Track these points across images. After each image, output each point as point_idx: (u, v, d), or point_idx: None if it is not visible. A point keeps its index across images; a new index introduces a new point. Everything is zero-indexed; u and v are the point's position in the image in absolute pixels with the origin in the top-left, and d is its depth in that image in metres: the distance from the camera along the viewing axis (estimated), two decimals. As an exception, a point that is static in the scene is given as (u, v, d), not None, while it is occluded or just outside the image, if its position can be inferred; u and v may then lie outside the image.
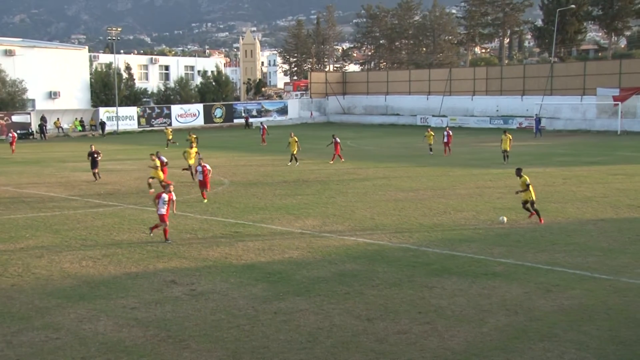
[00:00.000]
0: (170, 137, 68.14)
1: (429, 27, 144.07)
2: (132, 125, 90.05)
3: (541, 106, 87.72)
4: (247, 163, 51.60)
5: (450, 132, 55.69)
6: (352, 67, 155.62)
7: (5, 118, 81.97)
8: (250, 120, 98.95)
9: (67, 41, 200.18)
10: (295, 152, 50.28)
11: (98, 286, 20.95)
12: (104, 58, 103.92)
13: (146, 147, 66.75)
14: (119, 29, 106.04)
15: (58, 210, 34.22)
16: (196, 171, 37.17)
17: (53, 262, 24.10)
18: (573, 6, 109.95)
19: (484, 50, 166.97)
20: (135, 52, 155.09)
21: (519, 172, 29.67)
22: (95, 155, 43.32)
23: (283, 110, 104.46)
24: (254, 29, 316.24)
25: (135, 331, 17.11)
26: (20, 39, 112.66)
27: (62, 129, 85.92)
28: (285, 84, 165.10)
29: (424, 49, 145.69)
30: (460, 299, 19.00)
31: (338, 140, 51.47)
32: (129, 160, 56.82)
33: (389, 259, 23.47)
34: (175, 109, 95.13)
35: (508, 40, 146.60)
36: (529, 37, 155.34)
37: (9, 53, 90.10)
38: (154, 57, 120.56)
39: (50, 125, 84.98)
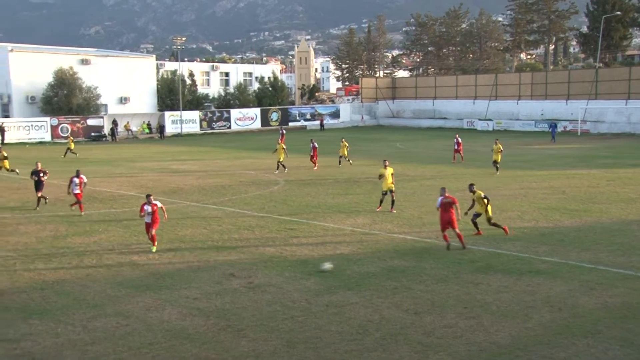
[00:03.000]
0: (72, 147, 65.91)
1: (476, 34, 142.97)
2: (195, 128, 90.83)
3: (585, 110, 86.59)
4: (301, 164, 51.62)
5: (460, 139, 53.94)
6: (402, 73, 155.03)
7: (81, 122, 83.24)
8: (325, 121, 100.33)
9: (137, 50, 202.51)
10: (346, 155, 50.39)
11: (163, 277, 21.30)
12: (170, 66, 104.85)
13: (207, 148, 67.38)
14: (183, 39, 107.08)
15: (127, 207, 34.74)
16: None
17: (123, 255, 24.57)
18: (619, 13, 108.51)
19: (529, 57, 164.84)
20: (198, 59, 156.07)
21: (471, 188, 26.41)
22: (42, 175, 35.14)
23: (335, 114, 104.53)
24: (308, 37, 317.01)
25: (197, 320, 17.35)
26: (95, 49, 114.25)
27: (131, 131, 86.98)
28: (338, 89, 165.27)
29: (471, 55, 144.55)
30: (505, 295, 18.91)
31: (316, 145, 51.02)
32: (191, 161, 57.31)
33: (435, 256, 23.43)
34: (235, 113, 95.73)
35: (553, 46, 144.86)
36: (574, 43, 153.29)
37: (85, 62, 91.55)
38: (215, 64, 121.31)
39: (120, 128, 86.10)
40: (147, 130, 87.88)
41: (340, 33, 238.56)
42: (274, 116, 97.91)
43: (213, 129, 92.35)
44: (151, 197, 24.64)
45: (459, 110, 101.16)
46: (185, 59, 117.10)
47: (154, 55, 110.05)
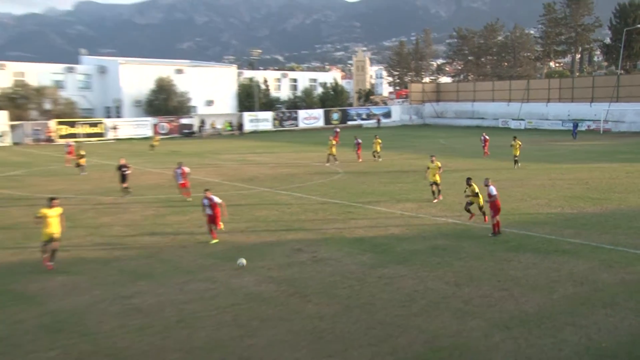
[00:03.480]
0: (156, 143, 65.36)
1: (510, 45, 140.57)
2: (268, 126, 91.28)
3: (607, 111, 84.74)
4: (354, 158, 51.65)
5: (487, 137, 53.08)
6: (445, 79, 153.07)
7: (176, 121, 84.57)
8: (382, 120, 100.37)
9: (221, 61, 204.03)
10: (378, 150, 49.50)
11: (243, 251, 21.64)
12: (248, 74, 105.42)
13: (278, 143, 67.78)
14: (259, 51, 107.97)
15: (213, 192, 35.22)
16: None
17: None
18: (639, 26, 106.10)
19: (557, 65, 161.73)
20: (271, 68, 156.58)
21: (468, 181, 25.33)
22: (125, 169, 34.04)
23: (387, 114, 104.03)
24: (364, 48, 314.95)
25: (271, 286, 17.78)
26: (188, 61, 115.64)
27: (216, 129, 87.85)
28: (390, 92, 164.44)
29: (506, 63, 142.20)
30: (534, 271, 18.92)
31: (360, 141, 50.82)
32: (265, 154, 57.66)
33: (473, 237, 23.44)
34: (302, 113, 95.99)
35: (579, 55, 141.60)
36: (598, 53, 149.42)
37: (179, 72, 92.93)
38: (285, 72, 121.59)
39: (207, 126, 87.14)
40: (229, 128, 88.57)
41: (392, 45, 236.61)
42: (335, 116, 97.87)
43: (283, 126, 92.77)
44: (208, 192, 23.55)
45: (494, 111, 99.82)
46: (261, 68, 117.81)
47: (235, 65, 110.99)
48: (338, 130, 69.34)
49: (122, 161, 34.54)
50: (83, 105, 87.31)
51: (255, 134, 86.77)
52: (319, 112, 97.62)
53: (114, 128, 79.73)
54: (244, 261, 19.09)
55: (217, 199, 22.99)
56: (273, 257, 20.95)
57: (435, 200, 30.53)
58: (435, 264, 19.77)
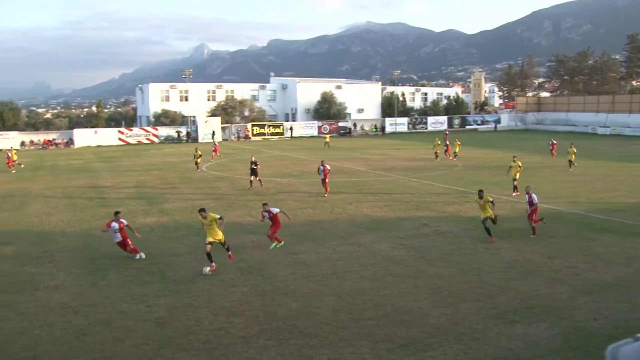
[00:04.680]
0: (328, 140, 61.75)
1: (599, 67, 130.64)
2: (404, 128, 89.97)
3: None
4: (474, 155, 50.12)
5: (555, 141, 46.74)
6: (544, 94, 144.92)
7: (335, 124, 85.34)
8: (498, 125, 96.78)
9: (369, 79, 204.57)
10: (457, 151, 45.64)
11: (381, 223, 21.59)
12: (389, 89, 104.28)
13: (411, 142, 66.79)
14: (398, 72, 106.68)
15: (361, 177, 35.45)
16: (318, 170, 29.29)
17: (357, 207, 25.13)
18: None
19: (639, 83, 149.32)
20: (407, 84, 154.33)
21: (480, 194, 18.73)
22: (254, 165, 30.76)
23: (498, 121, 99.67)
24: (480, 69, 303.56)
25: (402, 252, 17.58)
26: (345, 79, 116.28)
27: (364, 130, 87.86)
28: (499, 104, 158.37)
29: (595, 82, 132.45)
30: (613, 248, 17.61)
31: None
32: (401, 150, 56.99)
33: (564, 220, 22.06)
34: (430, 119, 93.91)
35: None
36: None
37: (338, 87, 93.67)
38: (418, 87, 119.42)
39: (357, 128, 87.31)
40: (374, 130, 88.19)
41: (502, 67, 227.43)
42: (456, 121, 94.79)
43: (415, 129, 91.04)
44: (267, 206, 17.57)
45: (585, 120, 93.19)
46: (399, 84, 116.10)
47: (380, 82, 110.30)
48: (447, 132, 67.44)
49: (253, 158, 31.48)
50: (270, 112, 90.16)
51: (394, 134, 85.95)
52: (444, 118, 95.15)
53: (291, 129, 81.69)
54: (207, 269, 15.36)
55: (275, 210, 17.71)
56: (404, 229, 20.69)
57: (515, 194, 27.72)
58: (532, 240, 18.78)
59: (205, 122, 76.76)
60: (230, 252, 16.50)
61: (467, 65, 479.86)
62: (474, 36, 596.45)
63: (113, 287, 14.53)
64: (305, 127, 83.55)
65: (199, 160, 40.29)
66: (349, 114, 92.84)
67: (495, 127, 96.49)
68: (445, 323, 11.93)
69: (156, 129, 76.51)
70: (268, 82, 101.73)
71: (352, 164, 43.05)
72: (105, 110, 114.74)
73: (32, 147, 69.80)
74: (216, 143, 50.57)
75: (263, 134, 78.83)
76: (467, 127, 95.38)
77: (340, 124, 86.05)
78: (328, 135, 66.59)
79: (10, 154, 43.72)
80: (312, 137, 79.88)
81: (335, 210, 24.61)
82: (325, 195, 27.98)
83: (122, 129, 76.85)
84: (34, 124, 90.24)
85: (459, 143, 47.11)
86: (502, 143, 62.59)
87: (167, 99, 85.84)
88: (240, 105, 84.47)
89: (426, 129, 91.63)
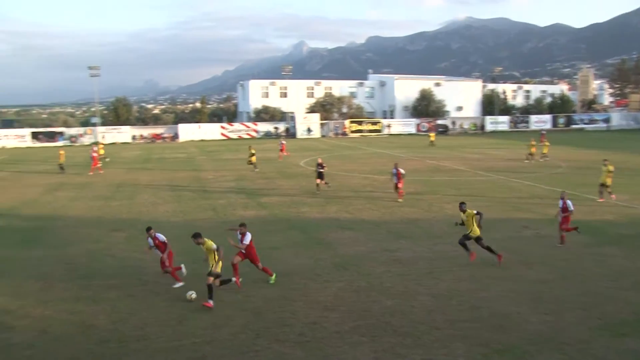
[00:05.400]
0: (433, 139, 60.50)
1: None
2: (505, 127, 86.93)
3: None
4: (580, 156, 47.53)
5: None
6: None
7: (433, 121, 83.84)
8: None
9: (468, 76, 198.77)
10: (545, 152, 43.01)
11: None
12: (490, 86, 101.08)
13: (512, 141, 64.36)
14: (499, 68, 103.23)
15: (458, 176, 34.60)
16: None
17: (455, 207, 24.12)
18: None
19: None
20: (509, 82, 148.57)
21: (462, 207, 16.07)
22: (320, 167, 29.00)
23: (607, 120, 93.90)
24: (589, 65, 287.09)
25: (503, 253, 17.00)
26: (444, 76, 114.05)
27: (464, 128, 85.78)
28: (610, 102, 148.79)
29: None
30: None
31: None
32: (501, 149, 55.01)
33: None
34: (532, 117, 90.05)
35: None
36: None
37: (437, 84, 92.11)
38: (520, 85, 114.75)
39: (456, 126, 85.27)
40: (473, 128, 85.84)
41: (613, 62, 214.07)
42: (561, 121, 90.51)
43: (517, 128, 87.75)
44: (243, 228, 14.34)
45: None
46: (500, 82, 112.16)
47: (480, 80, 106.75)
48: (544, 132, 64.13)
49: (320, 160, 29.59)
50: (367, 109, 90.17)
51: (494, 133, 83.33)
52: (547, 117, 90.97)
53: (388, 126, 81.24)
54: (193, 295, 13.38)
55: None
56: (503, 230, 19.96)
57: (600, 200, 25.49)
58: (644, 247, 17.51)
59: (304, 118, 78.00)
60: (209, 299, 12.86)
61: (573, 61, 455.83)
62: (583, 30, 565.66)
63: (214, 276, 15.10)
64: (403, 125, 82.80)
65: (253, 159, 38.04)
66: (448, 111, 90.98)
67: (607, 126, 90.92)
68: (546, 330, 11.41)
69: (256, 125, 78.69)
70: (366, 79, 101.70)
71: (450, 162, 42.13)
72: (208, 106, 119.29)
73: (141, 141, 74.01)
74: (283, 142, 49.01)
75: (361, 131, 78.93)
76: (573, 126, 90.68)
77: (439, 121, 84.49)
78: (433, 134, 65.16)
79: (97, 151, 41.31)
80: (410, 134, 79.00)
81: (433, 208, 24.20)
82: (400, 200, 25.77)
83: (224, 124, 79.70)
84: (144, 119, 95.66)
85: (547, 144, 44.56)
86: (612, 144, 58.87)
87: (267, 95, 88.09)
88: (338, 102, 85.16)
89: (528, 128, 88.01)
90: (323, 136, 76.85)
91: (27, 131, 73.19)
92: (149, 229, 14.98)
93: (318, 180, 28.95)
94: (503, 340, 10.97)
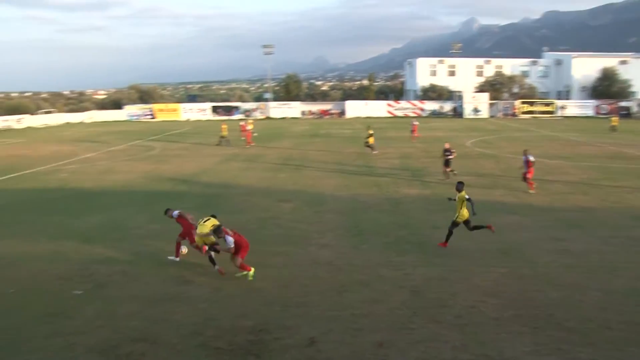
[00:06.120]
0: (615, 123, 52.28)
1: None
2: None
3: None
4: None
5: None
6: None
7: (615, 103, 76.46)
8: None
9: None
10: None
11: (577, 219, 18.90)
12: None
13: None
14: None
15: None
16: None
17: (637, 197, 22.24)
18: None
19: None
20: None
21: (459, 187, 15.30)
22: (448, 153, 26.40)
23: None
24: None
25: (566, 258, 15.12)
26: (632, 53, 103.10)
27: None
28: None
29: None
30: None
31: None
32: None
33: None
34: None
35: None
36: None
37: (623, 62, 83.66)
38: None
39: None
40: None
41: None
42: None
43: None
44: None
45: None
46: None
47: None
48: None
49: (447, 145, 27.05)
50: (540, 89, 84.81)
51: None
52: None
53: (562, 107, 75.70)
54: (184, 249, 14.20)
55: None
56: (610, 226, 17.71)
57: None
58: None
59: (473, 97, 75.48)
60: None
61: None
62: None
63: (374, 252, 15.30)
64: (579, 106, 76.63)
65: (371, 140, 35.59)
66: (634, 92, 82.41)
67: None
68: None
69: (423, 103, 77.75)
70: (540, 57, 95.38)
71: (635, 149, 38.25)
72: (375, 83, 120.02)
73: (310, 116, 76.75)
74: (415, 123, 46.23)
75: (532, 112, 74.54)
76: None
77: (621, 103, 76.90)
78: (615, 117, 58.80)
79: (246, 125, 43.09)
80: (587, 117, 72.99)
81: (610, 198, 22.16)
82: (531, 191, 23.09)
83: (391, 102, 79.77)
84: (312, 95, 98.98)
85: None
86: None
87: (435, 73, 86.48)
88: (509, 81, 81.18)
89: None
90: (491, 117, 73.87)
91: (208, 105, 79.64)
92: (166, 211, 15.16)
93: (444, 169, 26.48)
94: (688, 348, 9.82)
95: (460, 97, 76.83)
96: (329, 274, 13.62)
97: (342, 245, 15.94)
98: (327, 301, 11.99)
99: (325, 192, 23.73)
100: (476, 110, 73.81)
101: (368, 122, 57.14)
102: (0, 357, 9.88)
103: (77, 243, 16.59)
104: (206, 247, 13.79)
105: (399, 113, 76.24)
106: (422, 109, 76.64)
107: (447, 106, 76.57)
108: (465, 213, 15.10)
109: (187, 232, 14.76)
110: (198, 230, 13.80)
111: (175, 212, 15.08)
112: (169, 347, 10.10)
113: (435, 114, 75.44)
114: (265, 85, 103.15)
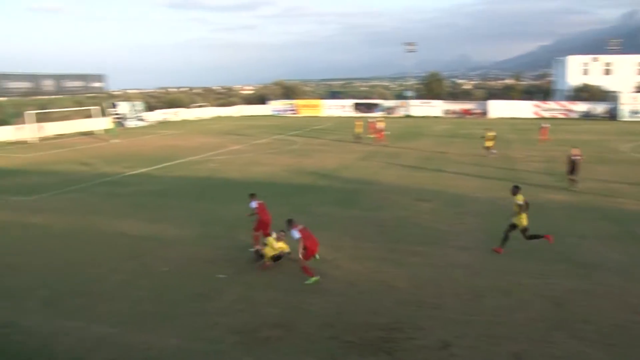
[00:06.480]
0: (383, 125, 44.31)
1: None
2: None
3: None
4: None
5: None
6: None
7: None
8: None
9: None
10: None
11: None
12: None
13: None
14: None
15: None
16: None
17: None
18: None
19: None
20: None
21: (514, 191, 14.72)
22: (573, 158, 23.89)
23: None
24: None
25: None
26: None
27: None
28: None
29: None
30: None
31: None
32: None
33: None
34: None
35: None
36: None
37: None
38: None
39: None
40: None
41: None
42: None
43: None
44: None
45: None
46: None
47: None
48: None
49: (575, 151, 24.28)
50: None
51: None
52: None
53: None
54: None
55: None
56: None
57: None
58: None
59: (633, 99, 69.40)
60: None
61: None
62: None
63: (514, 258, 14.72)
64: None
65: (489, 143, 34.37)
66: None
67: None
68: None
69: (573, 104, 72.94)
70: None
71: None
72: (521, 82, 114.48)
73: (452, 115, 75.15)
74: (544, 126, 43.26)
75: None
76: None
77: None
78: None
79: (375, 123, 43.48)
80: None
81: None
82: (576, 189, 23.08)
83: (538, 102, 75.73)
84: (454, 94, 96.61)
85: None
86: None
87: (587, 72, 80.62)
88: None
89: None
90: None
91: (349, 102, 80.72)
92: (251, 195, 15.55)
93: (569, 176, 24.29)
94: None
95: (616, 98, 70.93)
96: (466, 278, 13.35)
97: (480, 249, 15.52)
98: (462, 305, 11.77)
99: (466, 193, 23.19)
100: (635, 113, 67.77)
101: (511, 123, 54.60)
102: (153, 329, 10.87)
103: (223, 229, 17.75)
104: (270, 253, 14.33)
105: (546, 114, 72.11)
106: (570, 110, 71.85)
107: (600, 108, 71.00)
108: (523, 219, 14.42)
109: (264, 224, 15.11)
110: (269, 241, 14.38)
111: (254, 203, 15.31)
112: (304, 336, 10.50)
113: (586, 116, 70.38)
114: (407, 83, 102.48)
